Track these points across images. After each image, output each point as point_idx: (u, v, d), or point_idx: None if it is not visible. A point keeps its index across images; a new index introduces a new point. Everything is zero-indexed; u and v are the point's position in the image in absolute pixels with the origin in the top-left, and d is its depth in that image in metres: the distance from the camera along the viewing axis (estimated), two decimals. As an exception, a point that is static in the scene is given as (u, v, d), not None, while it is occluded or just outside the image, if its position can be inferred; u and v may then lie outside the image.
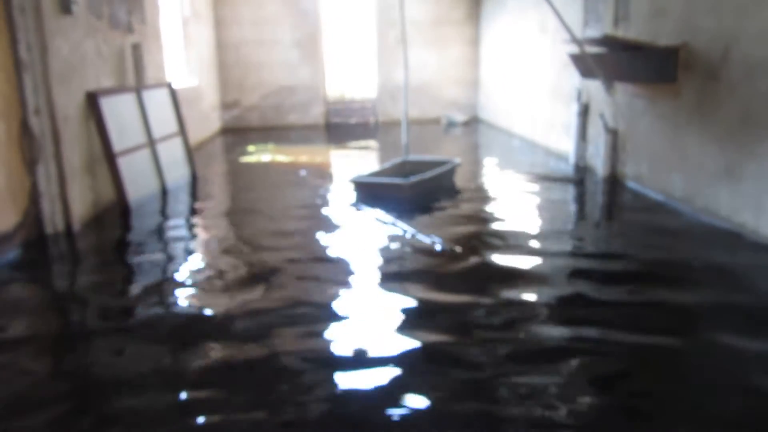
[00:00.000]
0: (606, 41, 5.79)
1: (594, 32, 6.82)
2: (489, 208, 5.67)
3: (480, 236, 4.76)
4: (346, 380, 2.64)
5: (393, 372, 2.70)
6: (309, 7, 11.82)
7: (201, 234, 5.05)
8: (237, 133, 11.37)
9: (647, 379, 2.62)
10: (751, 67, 4.24)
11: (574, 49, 6.40)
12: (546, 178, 6.65)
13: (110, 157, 5.53)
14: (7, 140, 4.36)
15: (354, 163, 8.58)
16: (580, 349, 2.86)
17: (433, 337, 3.00)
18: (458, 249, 4.31)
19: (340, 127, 12.11)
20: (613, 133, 6.29)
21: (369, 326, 3.15)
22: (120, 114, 5.78)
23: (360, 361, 2.80)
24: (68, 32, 5.00)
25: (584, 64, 6.28)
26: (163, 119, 6.77)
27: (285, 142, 10.27)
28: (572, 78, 7.24)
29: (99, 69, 5.65)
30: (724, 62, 4.53)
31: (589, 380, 2.60)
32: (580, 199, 6.02)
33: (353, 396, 2.55)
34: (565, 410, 2.34)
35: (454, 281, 3.76)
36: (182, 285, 3.80)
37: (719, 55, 4.58)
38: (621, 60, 5.73)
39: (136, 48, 6.49)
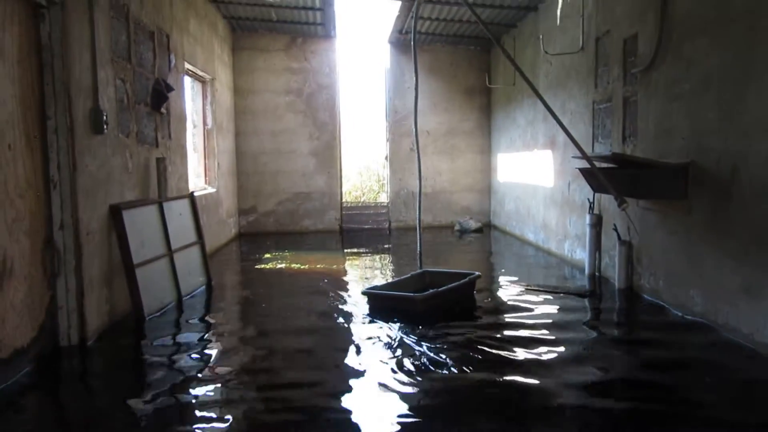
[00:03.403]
0: (615, 158, 5.93)
1: (603, 148, 7.02)
2: (505, 323, 5.58)
3: (494, 355, 4.62)
4: None
5: None
6: (326, 119, 12.34)
7: (213, 350, 4.98)
8: (253, 239, 11.53)
9: None
10: (761, 187, 4.31)
11: (584, 164, 6.55)
12: (562, 291, 6.58)
13: (129, 269, 5.59)
14: (30, 256, 4.45)
15: (369, 272, 8.59)
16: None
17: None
18: (469, 369, 4.22)
19: (355, 233, 12.26)
20: (627, 246, 6.31)
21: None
22: (141, 226, 5.92)
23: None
24: (97, 150, 5.23)
25: (595, 180, 6.40)
26: (182, 229, 6.91)
27: (300, 248, 10.37)
28: (584, 189, 7.37)
29: (124, 183, 5.85)
30: (734, 182, 4.61)
31: None
32: (597, 314, 5.90)
33: None
34: None
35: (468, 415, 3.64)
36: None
37: (728, 175, 4.67)
38: (631, 176, 5.84)
39: (161, 161, 6.75)
